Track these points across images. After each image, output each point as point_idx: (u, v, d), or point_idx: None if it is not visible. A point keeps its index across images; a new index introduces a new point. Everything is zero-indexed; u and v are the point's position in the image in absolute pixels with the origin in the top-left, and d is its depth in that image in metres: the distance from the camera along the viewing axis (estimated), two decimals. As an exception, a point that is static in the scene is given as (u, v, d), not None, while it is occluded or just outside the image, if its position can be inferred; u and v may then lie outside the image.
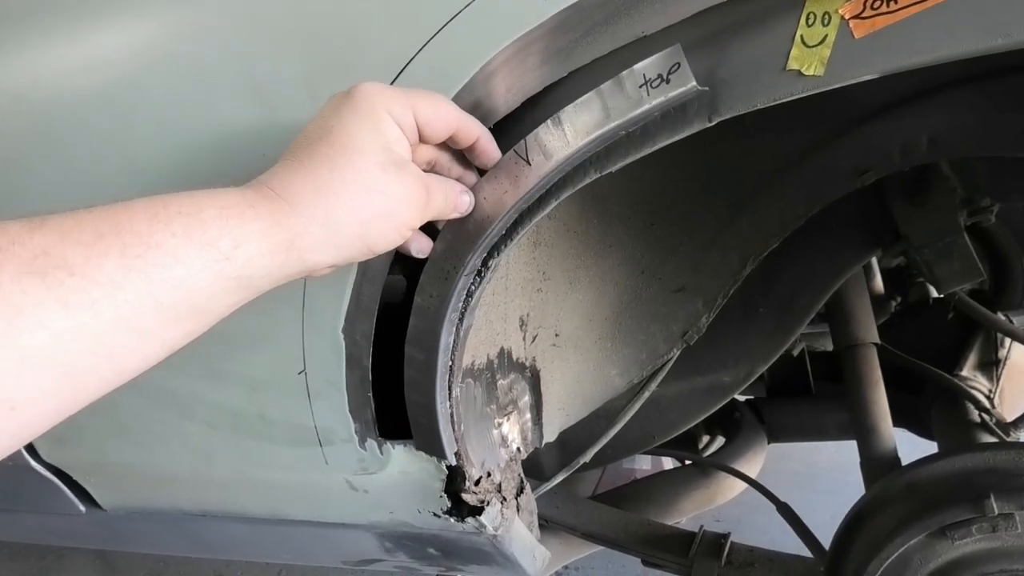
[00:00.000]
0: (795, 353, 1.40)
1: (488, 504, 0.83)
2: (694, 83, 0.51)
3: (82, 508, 1.03)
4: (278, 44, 0.62)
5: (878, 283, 1.34)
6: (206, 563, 2.11)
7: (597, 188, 0.99)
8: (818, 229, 0.99)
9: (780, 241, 0.93)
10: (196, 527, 0.99)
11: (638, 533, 1.16)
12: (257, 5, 0.63)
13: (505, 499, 0.91)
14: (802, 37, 0.47)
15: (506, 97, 0.58)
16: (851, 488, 1.06)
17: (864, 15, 0.45)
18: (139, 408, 0.85)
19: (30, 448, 0.95)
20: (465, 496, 0.81)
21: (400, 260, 0.71)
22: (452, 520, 0.82)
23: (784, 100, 0.49)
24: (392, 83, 0.60)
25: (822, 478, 2.17)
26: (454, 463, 0.78)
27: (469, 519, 0.82)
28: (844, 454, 1.26)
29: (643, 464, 2.26)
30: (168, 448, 0.87)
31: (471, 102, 0.59)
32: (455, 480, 0.80)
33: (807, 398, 1.45)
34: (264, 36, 0.63)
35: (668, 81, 0.52)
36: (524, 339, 1.00)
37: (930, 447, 1.19)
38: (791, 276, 1.04)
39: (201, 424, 0.83)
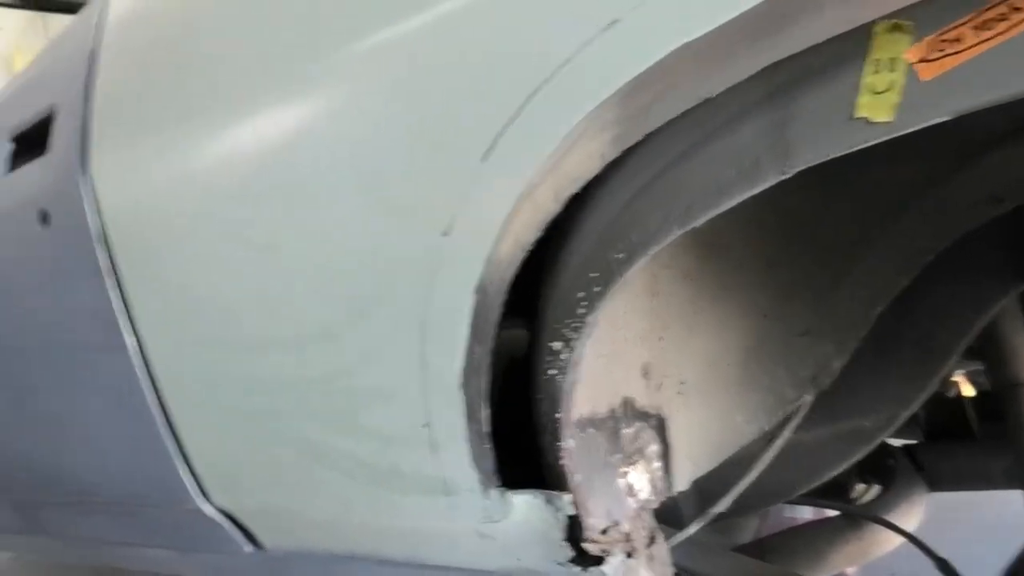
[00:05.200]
0: (950, 394, 1.30)
1: (611, 554, 0.84)
2: None
3: (247, 548, 1.13)
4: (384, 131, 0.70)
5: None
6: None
7: (711, 233, 0.99)
8: (957, 259, 0.93)
9: (911, 278, 0.89)
10: (345, 568, 1.06)
11: (780, 587, 1.12)
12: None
13: (634, 549, 0.91)
14: (869, 85, 0.47)
15: (587, 164, 0.61)
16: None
17: (931, 58, 0.45)
18: (290, 459, 0.94)
19: (203, 493, 1.07)
20: (586, 546, 0.82)
21: (520, 314, 0.75)
22: (575, 569, 0.84)
23: (858, 148, 0.49)
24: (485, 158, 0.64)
25: (990, 531, 1.96)
26: (572, 513, 0.79)
27: (592, 569, 0.83)
28: (1016, 505, 1.15)
29: (804, 513, 2.14)
30: (315, 496, 0.95)
31: (561, 169, 0.63)
32: (576, 529, 0.82)
33: (969, 442, 1.34)
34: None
35: None
36: (648, 388, 1.00)
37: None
38: (927, 312, 0.98)
39: (341, 474, 0.90)
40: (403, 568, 0.98)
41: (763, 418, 1.03)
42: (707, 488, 1.13)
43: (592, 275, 0.68)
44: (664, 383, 1.02)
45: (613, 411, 0.94)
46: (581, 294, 0.68)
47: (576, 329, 0.69)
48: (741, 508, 1.17)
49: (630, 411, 0.96)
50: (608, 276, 0.66)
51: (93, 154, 1.02)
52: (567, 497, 0.78)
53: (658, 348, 1.00)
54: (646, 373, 1.00)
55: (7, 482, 1.40)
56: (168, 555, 1.33)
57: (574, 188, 0.64)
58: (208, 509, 1.09)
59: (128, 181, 0.99)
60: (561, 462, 0.77)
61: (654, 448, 1.01)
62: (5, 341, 1.24)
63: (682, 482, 1.05)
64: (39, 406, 1.24)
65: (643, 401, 0.99)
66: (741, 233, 0.97)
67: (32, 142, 1.18)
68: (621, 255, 0.65)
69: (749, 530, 1.78)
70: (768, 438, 1.07)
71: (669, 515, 1.16)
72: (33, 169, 1.16)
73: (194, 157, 0.90)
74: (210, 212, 0.88)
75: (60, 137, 1.11)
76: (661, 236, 0.62)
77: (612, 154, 0.62)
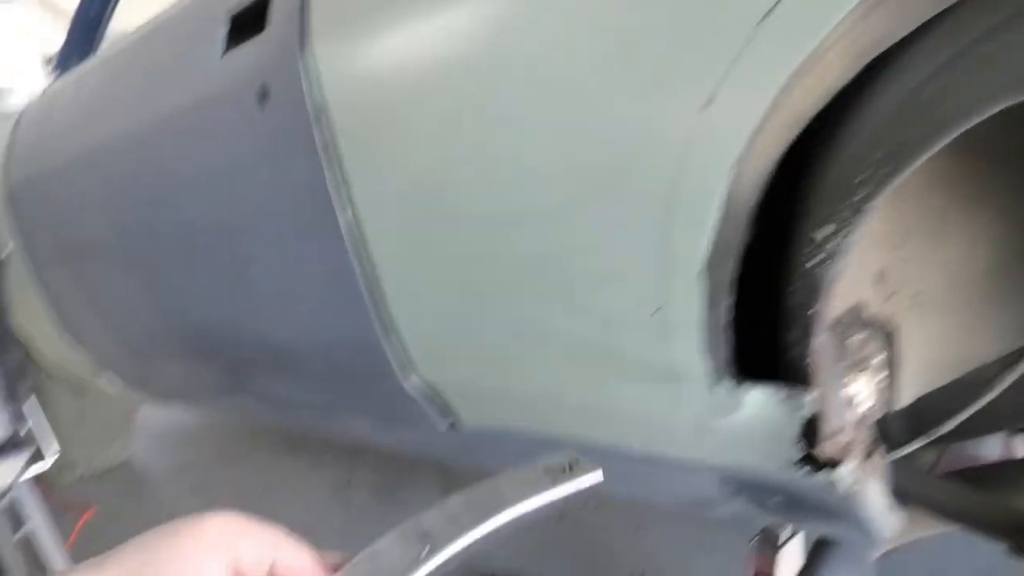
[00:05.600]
0: None
1: (842, 460, 0.80)
2: None
3: (444, 425, 1.17)
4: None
5: None
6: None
7: (970, 133, 0.89)
8: None
9: None
10: (543, 450, 1.08)
11: (1004, 518, 1.03)
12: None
13: (858, 458, 0.86)
14: None
15: (895, 23, 0.54)
16: None
17: None
18: (503, 335, 0.94)
19: (409, 366, 1.10)
20: (823, 447, 0.78)
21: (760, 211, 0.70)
22: (805, 471, 0.80)
23: None
24: (766, 18, 0.58)
25: None
26: (811, 413, 0.75)
27: (822, 472, 0.79)
28: None
29: (991, 450, 2.00)
30: (526, 373, 0.95)
31: (861, 30, 0.56)
32: (809, 432, 0.78)
33: None
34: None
35: None
36: (880, 295, 0.93)
37: None
38: None
39: (556, 353, 0.89)
40: (607, 456, 0.98)
41: (1009, 339, 0.94)
42: (924, 408, 1.06)
43: (879, 155, 0.61)
44: (898, 292, 0.94)
45: (843, 317, 0.88)
46: (863, 176, 0.62)
47: (853, 214, 0.63)
48: (958, 434, 1.09)
49: (859, 318, 0.90)
50: (902, 158, 0.59)
51: (313, 31, 1.03)
52: (810, 395, 0.74)
53: (896, 254, 0.92)
54: (880, 280, 0.93)
55: (221, 345, 1.51)
56: (364, 425, 1.41)
57: (876, 51, 0.57)
58: (410, 383, 1.12)
59: (350, 57, 0.98)
60: (808, 359, 0.73)
61: (880, 358, 0.94)
62: (223, 216, 1.31)
63: (907, 396, 0.99)
64: (254, 276, 1.31)
65: (873, 309, 0.92)
66: (1009, 130, 0.86)
67: (248, 23, 1.20)
68: (921, 132, 0.58)
69: (924, 464, 1.68)
70: (1008, 360, 0.97)
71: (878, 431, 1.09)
72: (250, 49, 1.18)
73: (423, 31, 0.88)
74: (439, 87, 0.87)
75: (278, 15, 1.12)
76: (978, 110, 0.55)
77: (928, 14, 0.54)
